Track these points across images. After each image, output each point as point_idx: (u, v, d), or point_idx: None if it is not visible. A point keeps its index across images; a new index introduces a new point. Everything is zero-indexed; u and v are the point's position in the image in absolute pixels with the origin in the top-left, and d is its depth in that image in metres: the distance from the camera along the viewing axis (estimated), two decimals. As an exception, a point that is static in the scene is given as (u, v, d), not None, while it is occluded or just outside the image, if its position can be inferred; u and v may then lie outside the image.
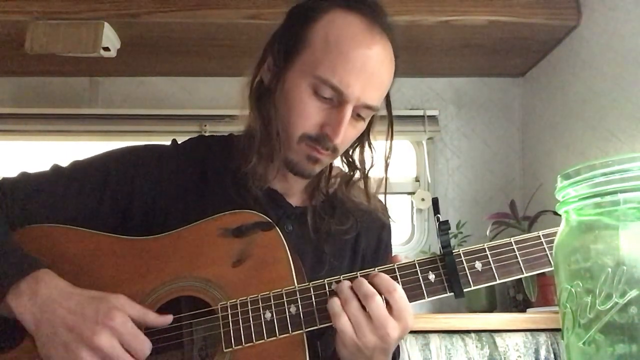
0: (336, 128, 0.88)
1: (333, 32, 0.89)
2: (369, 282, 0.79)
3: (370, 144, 1.01)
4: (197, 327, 0.84)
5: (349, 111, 0.88)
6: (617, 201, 0.48)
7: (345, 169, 1.03)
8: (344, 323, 0.77)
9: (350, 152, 1.01)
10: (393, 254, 0.89)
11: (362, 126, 0.95)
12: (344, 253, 1.02)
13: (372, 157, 1.01)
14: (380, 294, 0.78)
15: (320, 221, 0.98)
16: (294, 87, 0.90)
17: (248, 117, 0.96)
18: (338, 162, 1.03)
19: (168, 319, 0.82)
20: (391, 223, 1.10)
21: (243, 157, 0.93)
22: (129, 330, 0.76)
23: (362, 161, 1.01)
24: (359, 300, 0.78)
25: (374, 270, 0.82)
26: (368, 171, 1.01)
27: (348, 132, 0.91)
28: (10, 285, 0.78)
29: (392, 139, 1.00)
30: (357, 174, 1.02)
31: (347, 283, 0.80)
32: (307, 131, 0.90)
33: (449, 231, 0.83)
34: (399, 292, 0.78)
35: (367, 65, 0.88)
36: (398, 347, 0.86)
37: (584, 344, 0.47)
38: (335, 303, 0.78)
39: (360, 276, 0.81)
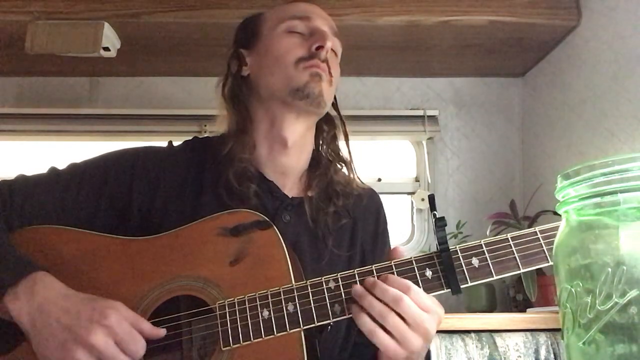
0: (321, 35, 1.00)
1: (277, 7, 1.08)
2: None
3: (345, 138, 1.10)
4: (196, 326, 0.84)
5: (323, 25, 1.03)
6: (617, 201, 0.47)
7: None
8: (383, 337, 0.76)
9: (328, 150, 1.10)
10: (393, 246, 0.89)
11: (337, 63, 1.06)
12: (343, 241, 1.03)
13: (342, 150, 1.10)
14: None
15: (317, 211, 1.00)
16: (270, 40, 1.03)
17: (224, 114, 1.05)
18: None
19: (161, 332, 0.81)
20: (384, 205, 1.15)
21: (222, 145, 0.99)
22: (124, 330, 0.76)
23: (338, 152, 1.09)
24: (388, 306, 0.76)
25: (372, 268, 0.82)
26: (350, 158, 1.09)
27: (330, 56, 1.01)
28: (7, 288, 0.79)
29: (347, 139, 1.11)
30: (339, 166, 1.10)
31: (372, 298, 0.77)
32: (299, 55, 0.99)
33: (446, 227, 0.83)
34: (414, 290, 0.77)
35: (314, 8, 1.07)
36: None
37: (584, 344, 0.47)
38: (366, 320, 0.77)
39: (377, 278, 0.80)
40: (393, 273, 0.81)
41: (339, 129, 1.10)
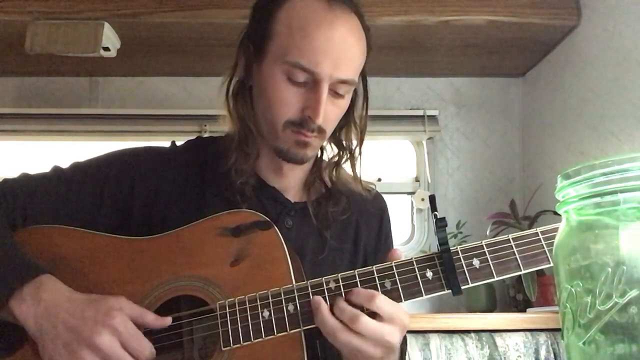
0: (315, 108, 0.89)
1: (295, 17, 0.90)
2: (348, 303, 0.79)
3: (355, 123, 1.03)
4: (196, 326, 0.84)
5: (324, 90, 0.89)
6: (617, 201, 0.47)
7: (333, 151, 1.04)
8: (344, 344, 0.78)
9: (337, 134, 1.02)
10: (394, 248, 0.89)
11: (343, 103, 0.96)
12: (345, 236, 1.02)
13: (358, 136, 1.03)
14: (363, 308, 0.78)
15: (318, 208, 0.99)
16: (268, 78, 0.92)
17: (228, 118, 0.99)
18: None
19: (167, 320, 0.81)
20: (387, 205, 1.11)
21: (225, 157, 0.95)
22: (129, 330, 0.76)
23: (349, 140, 1.03)
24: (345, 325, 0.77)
25: (372, 268, 0.82)
26: (355, 150, 1.03)
27: (330, 111, 0.92)
28: (13, 291, 0.79)
29: (366, 119, 1.03)
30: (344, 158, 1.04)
31: (327, 315, 0.78)
32: (289, 118, 0.91)
33: (446, 228, 0.83)
34: (378, 298, 0.78)
35: (333, 42, 0.89)
36: (405, 337, 0.87)
37: (584, 344, 0.47)
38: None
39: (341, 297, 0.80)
40: (393, 274, 0.81)
41: (359, 106, 1.02)
